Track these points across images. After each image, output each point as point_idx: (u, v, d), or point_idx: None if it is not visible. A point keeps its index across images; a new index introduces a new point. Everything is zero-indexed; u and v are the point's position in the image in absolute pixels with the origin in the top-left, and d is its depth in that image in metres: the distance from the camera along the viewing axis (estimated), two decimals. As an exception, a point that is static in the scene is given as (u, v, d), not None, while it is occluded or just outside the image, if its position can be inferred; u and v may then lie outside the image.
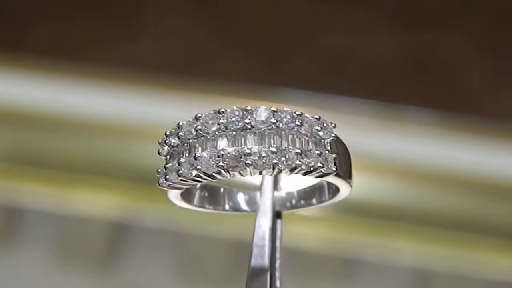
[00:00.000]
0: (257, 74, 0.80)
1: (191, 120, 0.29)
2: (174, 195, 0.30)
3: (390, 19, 0.82)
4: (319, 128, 0.29)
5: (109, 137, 0.76)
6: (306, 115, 0.29)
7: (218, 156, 0.28)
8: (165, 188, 0.29)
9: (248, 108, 0.29)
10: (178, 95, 0.77)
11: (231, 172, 0.28)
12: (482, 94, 0.80)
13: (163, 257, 0.75)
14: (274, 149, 0.28)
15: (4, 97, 0.76)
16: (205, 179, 0.28)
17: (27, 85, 0.77)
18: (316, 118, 0.29)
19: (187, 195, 0.31)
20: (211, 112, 0.29)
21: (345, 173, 0.29)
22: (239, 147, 0.28)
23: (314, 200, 0.32)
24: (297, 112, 0.29)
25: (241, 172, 0.28)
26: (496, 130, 0.77)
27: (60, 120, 0.76)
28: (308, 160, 0.28)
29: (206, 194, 0.33)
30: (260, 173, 0.28)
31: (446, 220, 0.75)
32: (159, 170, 0.30)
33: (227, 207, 0.33)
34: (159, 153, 0.30)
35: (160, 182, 0.29)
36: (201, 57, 0.82)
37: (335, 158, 0.29)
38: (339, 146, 0.29)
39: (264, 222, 0.30)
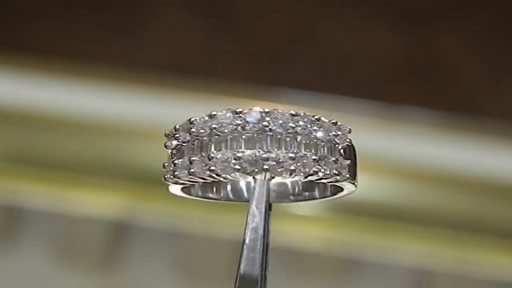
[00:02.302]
0: (257, 74, 0.80)
1: (205, 117, 0.28)
2: (176, 188, 0.30)
3: (390, 19, 0.82)
4: (335, 134, 0.29)
5: (109, 137, 0.76)
6: (323, 119, 0.29)
7: (235, 159, 0.27)
8: (170, 183, 0.29)
9: (266, 110, 0.28)
10: (178, 95, 0.77)
11: (245, 175, 0.27)
12: (482, 94, 0.80)
13: (163, 257, 0.75)
14: (292, 155, 0.27)
15: (3, 97, 0.76)
16: (216, 179, 0.28)
17: (25, 84, 0.77)
18: (333, 123, 0.29)
19: (188, 186, 0.31)
20: (228, 111, 0.28)
21: (354, 177, 0.29)
22: (257, 151, 0.27)
23: (316, 193, 0.32)
24: (316, 117, 0.28)
25: (255, 176, 0.28)
26: (496, 130, 0.77)
27: (60, 120, 0.76)
28: (324, 167, 0.28)
29: (208, 183, 0.32)
30: (273, 177, 0.28)
31: (446, 220, 0.75)
32: (166, 164, 0.29)
33: (230, 195, 0.32)
34: (165, 146, 0.29)
35: (166, 177, 0.29)
36: (200, 56, 0.82)
37: (349, 165, 0.28)
38: (351, 151, 0.29)
39: (258, 213, 0.30)
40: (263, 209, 0.29)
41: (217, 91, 0.77)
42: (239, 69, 0.81)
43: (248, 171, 0.27)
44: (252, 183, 0.29)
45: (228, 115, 0.28)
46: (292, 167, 0.27)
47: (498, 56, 0.82)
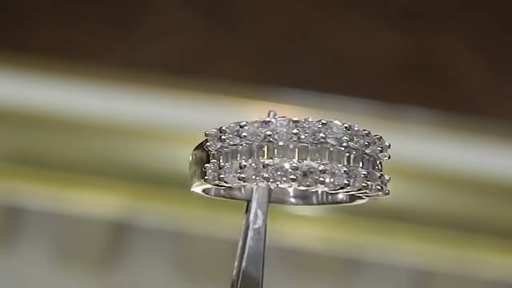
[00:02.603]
0: (257, 74, 0.80)
1: (257, 123, 0.28)
2: (200, 188, 0.30)
3: (390, 19, 0.82)
4: (380, 149, 0.29)
5: (109, 137, 0.76)
6: (372, 134, 0.29)
7: (292, 169, 0.27)
8: (209, 185, 0.29)
9: (323, 121, 0.28)
10: (178, 95, 0.77)
11: (295, 185, 0.27)
12: (482, 94, 0.80)
13: (163, 257, 0.75)
14: (346, 169, 0.27)
15: (3, 97, 0.76)
16: (267, 185, 0.28)
17: (25, 84, 0.77)
18: (377, 138, 0.29)
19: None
20: (284, 119, 0.28)
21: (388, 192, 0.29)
22: (313, 163, 0.27)
23: (341, 197, 0.32)
24: (366, 131, 0.28)
25: (308, 188, 0.27)
26: (496, 130, 0.77)
27: (60, 120, 0.76)
28: (371, 183, 0.28)
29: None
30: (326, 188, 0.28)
31: (446, 220, 0.75)
32: (209, 165, 0.28)
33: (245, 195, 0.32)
34: (207, 146, 0.28)
35: (208, 178, 0.28)
36: (200, 56, 0.82)
37: (388, 180, 0.29)
38: (382, 165, 0.29)
39: (260, 215, 0.30)
40: (266, 210, 0.29)
41: (216, 91, 0.77)
42: (239, 69, 0.81)
43: (303, 182, 0.27)
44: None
45: (284, 123, 0.28)
46: (345, 181, 0.27)
47: (498, 56, 0.82)
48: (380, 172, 0.29)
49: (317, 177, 0.27)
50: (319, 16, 0.83)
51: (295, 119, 0.28)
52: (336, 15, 0.83)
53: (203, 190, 0.30)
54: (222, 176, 0.28)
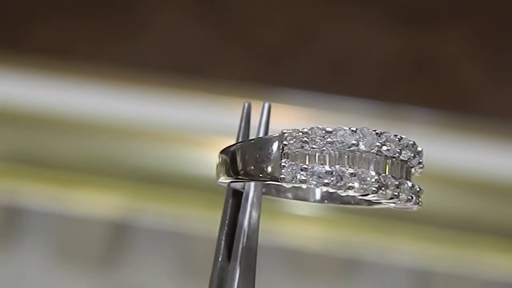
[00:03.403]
0: (257, 74, 0.80)
1: (349, 131, 0.28)
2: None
3: (390, 19, 0.82)
4: (412, 156, 0.29)
5: (109, 137, 0.76)
6: (407, 140, 0.29)
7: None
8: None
9: (378, 132, 0.28)
10: (178, 95, 0.77)
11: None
12: (482, 93, 0.80)
13: (163, 257, 0.75)
14: (397, 182, 0.28)
15: (3, 96, 0.76)
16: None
17: (25, 84, 0.77)
18: (411, 144, 0.29)
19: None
20: (372, 132, 0.28)
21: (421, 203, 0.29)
22: (379, 175, 0.28)
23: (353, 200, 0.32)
24: (398, 136, 0.29)
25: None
26: (496, 130, 0.77)
27: (60, 120, 0.76)
28: (402, 195, 0.28)
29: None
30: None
31: (446, 220, 0.75)
32: (292, 163, 0.28)
33: (289, 196, 0.32)
34: (284, 145, 0.28)
35: (286, 178, 0.28)
36: (200, 56, 0.82)
37: (419, 191, 0.29)
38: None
39: (254, 214, 0.30)
40: (259, 204, 0.29)
41: (217, 91, 0.77)
42: (239, 69, 0.81)
43: (369, 193, 0.27)
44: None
45: (373, 135, 0.28)
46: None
47: (498, 56, 0.82)
48: (412, 182, 0.29)
49: (381, 187, 0.27)
50: (319, 16, 0.83)
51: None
52: (336, 15, 0.83)
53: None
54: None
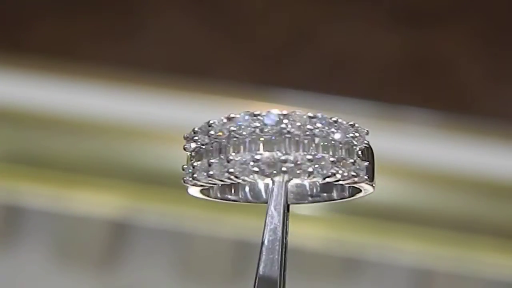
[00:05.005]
0: (257, 74, 0.80)
1: (223, 119, 0.29)
2: (195, 190, 0.30)
3: (390, 19, 0.82)
4: (353, 135, 0.29)
5: (109, 137, 0.76)
6: (341, 121, 0.29)
7: (253, 161, 0.28)
8: (189, 185, 0.29)
9: (284, 112, 0.28)
10: (178, 95, 0.77)
11: (264, 177, 0.28)
12: (482, 94, 0.80)
13: (163, 257, 0.75)
14: (310, 157, 0.28)
15: (3, 96, 0.76)
16: (234, 181, 0.28)
17: (25, 84, 0.77)
18: (350, 125, 0.29)
19: (207, 188, 0.31)
20: (246, 114, 0.28)
21: (372, 178, 0.29)
22: (275, 153, 0.28)
23: (334, 194, 0.32)
24: (333, 119, 0.29)
25: (274, 178, 0.28)
26: (496, 130, 0.77)
27: (60, 120, 0.76)
28: (342, 169, 0.28)
29: (226, 185, 0.32)
30: (291, 178, 0.28)
31: (446, 220, 0.75)
32: (185, 166, 0.29)
33: (249, 196, 0.32)
34: (184, 148, 0.29)
35: (185, 179, 0.29)
36: (200, 57, 0.82)
37: (367, 167, 0.29)
38: (369, 153, 0.29)
39: (276, 215, 0.30)
40: (282, 211, 0.29)
41: (216, 91, 0.77)
42: (238, 70, 0.81)
43: (266, 173, 0.28)
44: (270, 185, 0.29)
45: (246, 117, 0.28)
46: (310, 169, 0.28)
47: (498, 56, 0.82)
48: (355, 159, 0.29)
49: (280, 167, 0.28)
50: (319, 17, 0.83)
51: (257, 112, 0.28)
52: (336, 15, 0.83)
53: (202, 193, 0.31)
54: (195, 175, 0.29)
